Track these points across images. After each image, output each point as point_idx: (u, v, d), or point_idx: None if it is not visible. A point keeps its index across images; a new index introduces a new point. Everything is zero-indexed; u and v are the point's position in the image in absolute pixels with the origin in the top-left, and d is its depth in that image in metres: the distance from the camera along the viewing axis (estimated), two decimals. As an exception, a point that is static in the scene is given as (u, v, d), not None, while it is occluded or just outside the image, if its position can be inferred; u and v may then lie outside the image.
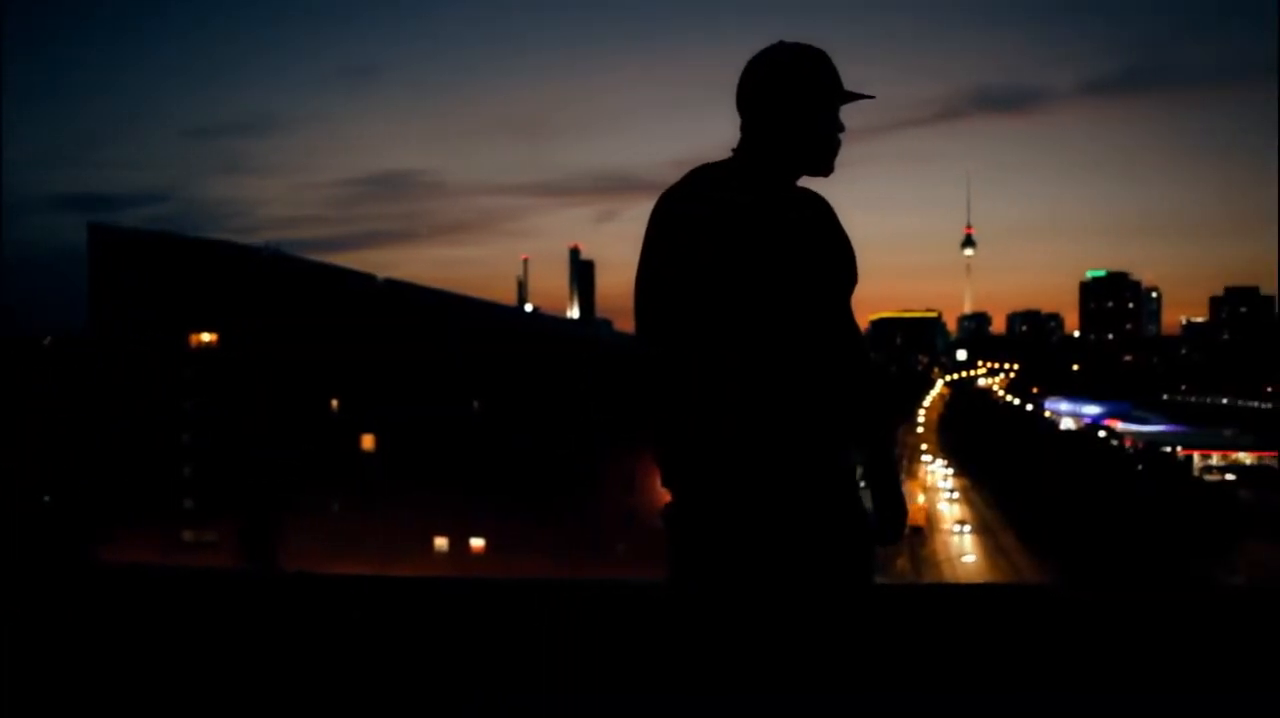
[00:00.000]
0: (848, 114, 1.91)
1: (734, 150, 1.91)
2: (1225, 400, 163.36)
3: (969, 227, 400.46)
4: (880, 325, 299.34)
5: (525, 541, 41.78)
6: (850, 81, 1.91)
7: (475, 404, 46.50)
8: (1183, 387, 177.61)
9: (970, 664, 3.06)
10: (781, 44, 1.89)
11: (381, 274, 50.44)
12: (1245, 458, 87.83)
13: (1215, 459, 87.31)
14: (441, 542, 45.23)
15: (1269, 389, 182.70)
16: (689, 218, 1.83)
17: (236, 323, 45.79)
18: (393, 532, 42.36)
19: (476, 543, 44.96)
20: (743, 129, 1.90)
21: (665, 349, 1.84)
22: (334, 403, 46.80)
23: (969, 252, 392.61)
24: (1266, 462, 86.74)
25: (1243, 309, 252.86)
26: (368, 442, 46.84)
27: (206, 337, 47.01)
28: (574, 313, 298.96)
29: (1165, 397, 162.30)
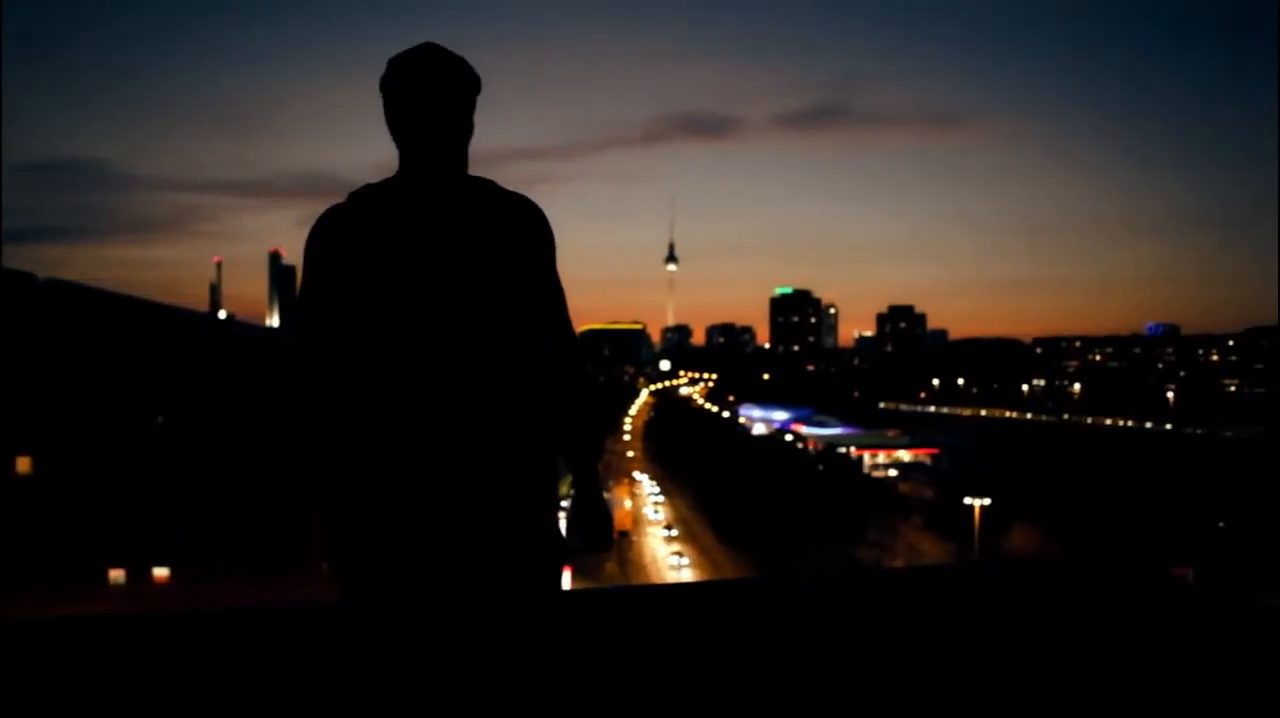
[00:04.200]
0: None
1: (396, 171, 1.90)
2: (890, 405, 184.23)
3: (672, 243, 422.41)
4: (589, 336, 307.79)
5: (218, 565, 38.74)
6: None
7: (158, 419, 42.47)
8: (855, 393, 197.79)
9: (678, 661, 3.23)
10: (392, 61, 1.89)
11: (45, 273, 44.82)
12: (905, 455, 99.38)
13: (881, 458, 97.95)
14: (117, 574, 40.78)
15: (922, 394, 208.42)
16: (347, 232, 1.81)
17: None
18: (57, 566, 37.64)
19: (160, 572, 41.00)
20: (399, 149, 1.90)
21: (326, 366, 1.79)
22: (-20, 421, 40.83)
23: (672, 267, 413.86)
24: (921, 458, 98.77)
25: (902, 325, 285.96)
26: (24, 464, 41.34)
27: None
28: (274, 321, 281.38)
29: (881, 405, 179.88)
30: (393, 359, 1.78)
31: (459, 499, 1.77)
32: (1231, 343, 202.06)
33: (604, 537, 1.93)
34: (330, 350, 1.81)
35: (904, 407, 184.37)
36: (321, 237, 1.84)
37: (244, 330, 64.07)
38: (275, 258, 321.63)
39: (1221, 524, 59.26)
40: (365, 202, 1.85)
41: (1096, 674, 3.00)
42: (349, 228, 1.82)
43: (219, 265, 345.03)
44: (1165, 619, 3.60)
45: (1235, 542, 54.29)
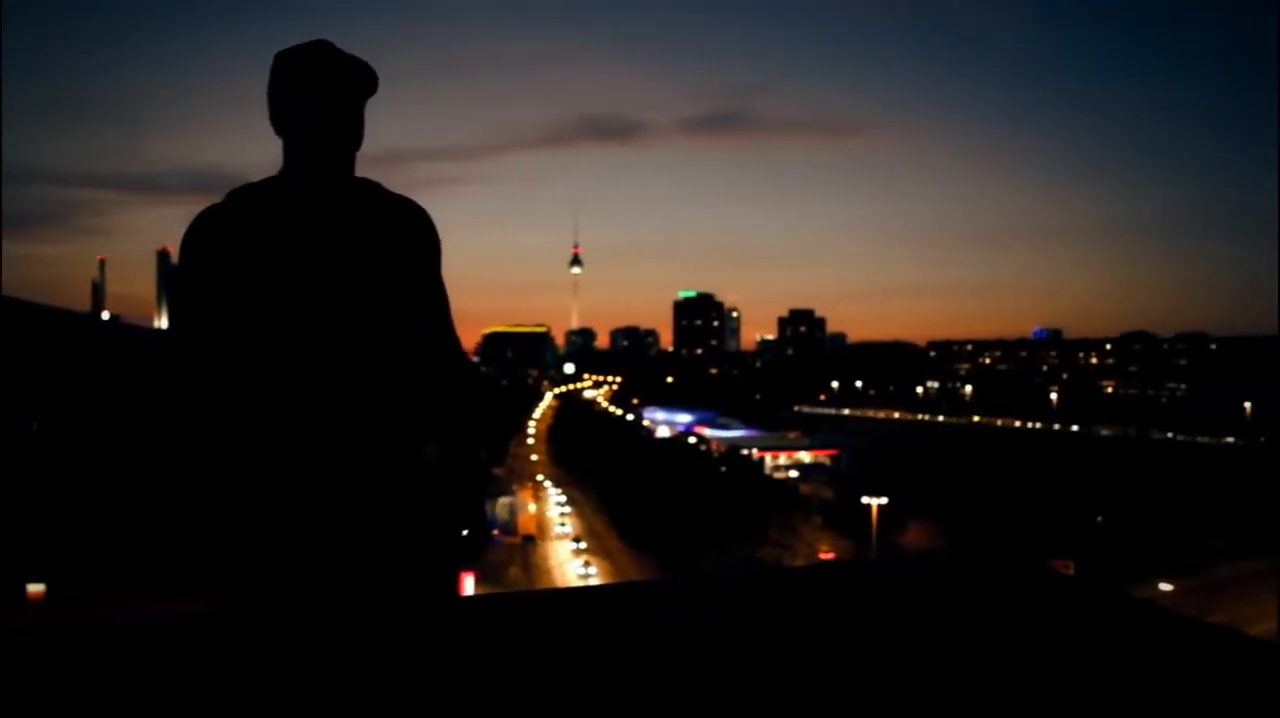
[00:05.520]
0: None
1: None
2: (800, 408, 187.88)
3: (576, 246, 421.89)
4: (492, 339, 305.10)
5: (102, 579, 37.03)
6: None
7: (34, 425, 40.38)
8: (757, 395, 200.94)
9: (581, 665, 3.25)
10: (280, 56, 1.86)
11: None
12: (805, 457, 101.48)
13: (783, 459, 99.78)
14: (-13, 589, 38.56)
15: (822, 397, 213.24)
16: (225, 233, 1.78)
17: None
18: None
19: (34, 588, 38.94)
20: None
21: (206, 368, 1.77)
22: None
23: (576, 270, 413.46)
24: (821, 459, 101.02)
25: (802, 328, 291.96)
26: (-116, 474, 38.77)
27: None
28: (162, 322, 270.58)
29: (799, 409, 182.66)
30: (273, 360, 1.76)
31: (344, 500, 1.75)
32: (1109, 347, 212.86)
33: (476, 547, 1.91)
34: (210, 352, 1.78)
35: (807, 409, 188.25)
36: (198, 237, 1.80)
37: (129, 332, 61.38)
38: (164, 256, 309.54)
39: (1100, 519, 62.37)
40: (244, 201, 1.82)
41: (979, 665, 3.14)
42: (226, 228, 1.79)
43: (103, 264, 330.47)
44: (1044, 611, 3.78)
45: (1113, 536, 57.23)
